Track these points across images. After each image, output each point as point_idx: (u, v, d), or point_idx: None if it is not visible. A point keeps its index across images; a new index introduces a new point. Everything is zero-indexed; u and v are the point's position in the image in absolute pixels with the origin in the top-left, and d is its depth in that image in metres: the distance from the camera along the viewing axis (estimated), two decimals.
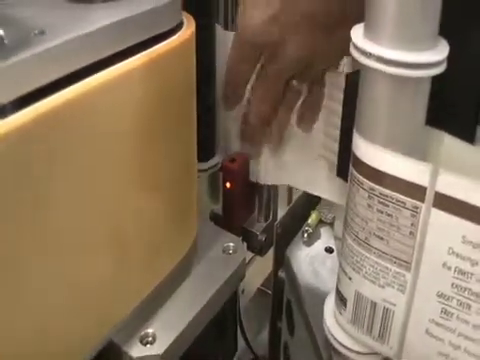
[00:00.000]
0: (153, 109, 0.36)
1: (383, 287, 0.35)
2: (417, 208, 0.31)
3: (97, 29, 0.31)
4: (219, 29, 0.49)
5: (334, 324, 0.39)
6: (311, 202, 0.54)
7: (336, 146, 0.44)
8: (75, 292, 0.35)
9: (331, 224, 0.53)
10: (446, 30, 0.31)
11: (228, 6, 0.51)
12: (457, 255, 0.31)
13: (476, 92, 0.36)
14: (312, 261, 0.50)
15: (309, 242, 0.52)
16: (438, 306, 0.33)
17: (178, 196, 0.43)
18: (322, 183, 0.49)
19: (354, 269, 0.36)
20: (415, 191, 0.31)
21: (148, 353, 0.42)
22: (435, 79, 0.31)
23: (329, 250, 0.51)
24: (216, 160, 0.54)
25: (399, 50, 0.30)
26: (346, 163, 0.35)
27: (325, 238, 0.53)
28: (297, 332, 0.50)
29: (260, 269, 0.65)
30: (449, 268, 0.32)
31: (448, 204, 0.30)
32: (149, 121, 0.36)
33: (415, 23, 0.29)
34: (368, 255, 0.35)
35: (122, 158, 0.35)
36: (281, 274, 0.53)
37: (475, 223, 0.30)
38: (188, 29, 0.38)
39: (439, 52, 0.30)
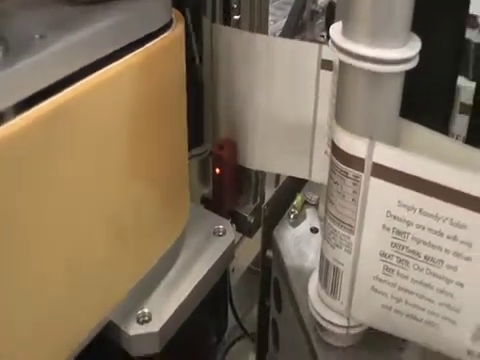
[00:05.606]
0: (146, 104, 0.37)
1: (334, 248, 0.37)
2: (358, 177, 0.34)
3: (96, 31, 0.32)
4: (206, 21, 0.50)
5: (317, 300, 0.41)
6: (297, 185, 0.55)
7: None
8: (74, 276, 0.36)
9: (316, 205, 0.54)
10: (417, 24, 0.32)
11: None
12: (394, 217, 0.34)
13: (448, 84, 0.38)
14: (298, 241, 0.51)
15: (295, 223, 0.53)
16: (380, 264, 0.36)
17: (171, 182, 0.44)
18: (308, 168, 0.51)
19: (325, 231, 0.39)
20: (355, 162, 0.34)
21: (144, 331, 0.43)
22: (409, 72, 0.33)
23: (314, 230, 0.52)
24: (206, 147, 0.56)
25: (374, 47, 0.31)
26: None
27: (310, 219, 0.54)
28: (284, 309, 0.52)
29: (249, 249, 0.66)
30: (388, 229, 0.35)
31: (384, 173, 0.33)
32: (143, 116, 0.37)
33: (388, 23, 0.31)
34: (326, 218, 0.38)
35: (118, 150, 0.36)
36: (269, 253, 0.54)
37: (408, 188, 0.33)
38: (178, 26, 0.38)
39: (411, 48, 0.32)
